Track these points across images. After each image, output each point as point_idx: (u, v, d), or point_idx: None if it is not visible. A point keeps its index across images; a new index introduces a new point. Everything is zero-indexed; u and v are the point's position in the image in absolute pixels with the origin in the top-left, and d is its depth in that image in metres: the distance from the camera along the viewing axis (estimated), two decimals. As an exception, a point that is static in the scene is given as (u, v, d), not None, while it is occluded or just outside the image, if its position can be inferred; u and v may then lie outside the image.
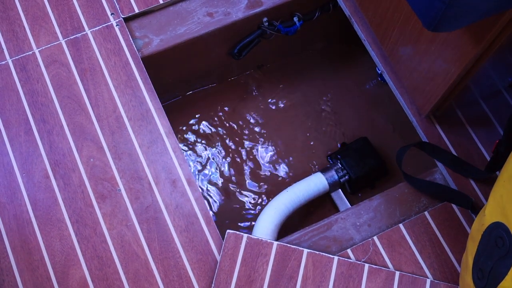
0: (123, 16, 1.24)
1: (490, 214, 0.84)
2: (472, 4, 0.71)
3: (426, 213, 1.10)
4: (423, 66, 1.06)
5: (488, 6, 0.73)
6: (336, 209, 1.36)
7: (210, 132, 1.48)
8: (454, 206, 1.11)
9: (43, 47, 1.21)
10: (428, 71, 1.05)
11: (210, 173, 1.43)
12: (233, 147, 1.46)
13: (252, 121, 1.50)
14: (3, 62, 1.19)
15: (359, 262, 1.05)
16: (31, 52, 1.20)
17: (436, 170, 1.16)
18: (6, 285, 1.01)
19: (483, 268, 0.83)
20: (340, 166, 1.35)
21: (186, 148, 1.46)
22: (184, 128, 1.48)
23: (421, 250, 1.07)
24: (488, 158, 1.13)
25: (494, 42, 0.88)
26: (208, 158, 1.45)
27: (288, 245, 1.06)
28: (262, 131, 1.49)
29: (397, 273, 1.04)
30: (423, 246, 1.07)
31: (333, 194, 1.35)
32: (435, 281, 1.04)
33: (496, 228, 0.82)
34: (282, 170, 1.44)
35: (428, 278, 1.04)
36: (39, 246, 1.05)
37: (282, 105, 1.52)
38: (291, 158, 1.45)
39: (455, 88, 1.03)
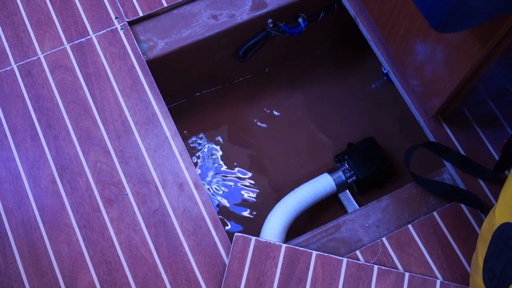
0: (127, 20, 1.24)
1: (500, 214, 0.84)
2: (479, 6, 0.70)
3: (435, 213, 1.09)
4: (429, 66, 1.05)
5: (495, 8, 0.72)
6: (343, 210, 1.36)
7: (215, 134, 1.48)
8: (463, 206, 1.10)
9: (48, 52, 1.20)
10: (435, 71, 1.04)
11: (216, 176, 1.43)
12: (238, 149, 1.46)
13: (257, 123, 1.49)
14: (8, 68, 1.19)
15: (368, 264, 1.04)
16: (36, 58, 1.20)
17: (444, 170, 1.16)
18: (15, 291, 1.02)
19: (494, 269, 0.83)
20: (347, 166, 1.34)
21: (192, 151, 1.46)
22: (189, 130, 1.47)
23: (430, 250, 1.06)
24: (497, 158, 1.13)
25: (501, 42, 0.87)
26: (214, 161, 1.45)
27: (297, 247, 1.05)
28: (268, 132, 1.48)
29: (407, 274, 1.03)
30: (433, 246, 1.06)
31: (341, 195, 1.34)
32: (445, 282, 1.03)
33: (507, 229, 0.81)
34: (289, 171, 1.43)
35: (438, 279, 1.03)
36: (47, 252, 1.04)
37: (288, 106, 1.51)
38: (297, 160, 1.45)
39: (462, 88, 1.02)
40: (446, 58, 0.99)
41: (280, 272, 1.03)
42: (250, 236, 1.06)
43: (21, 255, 1.04)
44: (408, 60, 1.12)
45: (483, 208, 1.08)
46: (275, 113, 1.50)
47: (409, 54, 1.10)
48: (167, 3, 1.27)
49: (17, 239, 1.05)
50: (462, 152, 1.14)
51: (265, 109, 1.51)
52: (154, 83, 1.19)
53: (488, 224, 0.87)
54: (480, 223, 1.08)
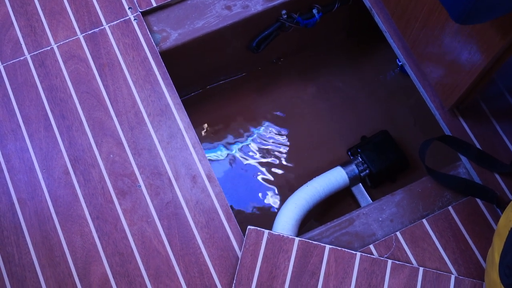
0: (140, 10, 1.23)
1: (518, 210, 0.82)
2: (504, -4, 0.69)
3: (450, 208, 1.08)
4: (447, 59, 1.04)
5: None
6: (356, 204, 1.35)
7: (228, 126, 1.47)
8: (478, 200, 1.09)
9: (61, 42, 1.20)
10: (452, 63, 1.03)
11: (228, 167, 1.42)
12: (251, 141, 1.45)
13: (270, 114, 1.48)
14: (21, 58, 1.19)
15: (382, 258, 1.03)
16: (49, 48, 1.20)
17: (460, 164, 1.14)
18: (28, 281, 1.02)
19: (511, 265, 0.82)
20: (360, 160, 1.33)
21: (204, 143, 1.45)
22: (202, 122, 1.47)
23: (445, 245, 1.05)
24: (514, 152, 1.11)
25: (522, 33, 0.85)
26: (227, 152, 1.44)
27: (310, 241, 1.05)
28: (281, 125, 1.47)
29: (421, 269, 1.02)
30: (447, 241, 1.05)
31: (354, 189, 1.33)
32: (460, 277, 1.02)
33: (525, 224, 0.80)
34: (301, 164, 1.43)
35: (452, 274, 1.02)
36: (60, 242, 1.05)
37: (301, 99, 1.50)
38: (310, 152, 1.44)
39: (480, 81, 1.00)
40: (464, 49, 0.97)
41: (293, 266, 1.03)
42: (263, 229, 1.05)
43: (35, 246, 1.04)
44: (425, 52, 1.10)
45: (499, 203, 1.06)
46: (288, 105, 1.49)
47: (426, 46, 1.08)
48: (180, -6, 1.26)
49: (30, 229, 1.05)
50: (478, 145, 1.13)
51: (277, 101, 1.50)
52: (167, 74, 1.18)
53: (505, 219, 0.86)
54: (496, 218, 1.07)
